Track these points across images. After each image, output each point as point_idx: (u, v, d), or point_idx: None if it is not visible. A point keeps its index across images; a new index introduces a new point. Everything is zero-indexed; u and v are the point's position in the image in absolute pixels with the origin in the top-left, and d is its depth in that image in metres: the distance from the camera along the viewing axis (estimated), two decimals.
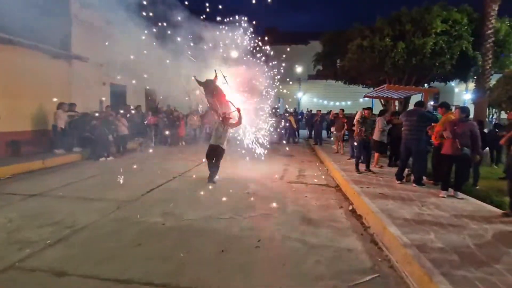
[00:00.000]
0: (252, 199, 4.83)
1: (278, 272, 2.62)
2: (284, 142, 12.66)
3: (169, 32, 7.12)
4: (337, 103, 31.05)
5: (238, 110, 6.21)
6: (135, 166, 7.09)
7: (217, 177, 5.95)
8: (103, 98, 10.89)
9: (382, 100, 13.62)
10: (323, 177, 6.78)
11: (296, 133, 15.69)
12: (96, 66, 10.08)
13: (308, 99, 32.57)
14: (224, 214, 4.05)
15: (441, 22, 10.87)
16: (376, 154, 7.32)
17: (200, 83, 6.54)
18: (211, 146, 6.01)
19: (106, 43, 9.79)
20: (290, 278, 2.54)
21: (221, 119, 6.15)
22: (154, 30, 7.42)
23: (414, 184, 5.35)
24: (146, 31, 7.21)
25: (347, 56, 12.18)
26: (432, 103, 16.01)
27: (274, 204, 4.52)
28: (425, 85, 13.53)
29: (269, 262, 2.80)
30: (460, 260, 2.60)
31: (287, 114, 14.78)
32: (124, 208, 4.18)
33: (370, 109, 7.33)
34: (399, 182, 5.53)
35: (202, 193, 5.05)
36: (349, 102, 29.15)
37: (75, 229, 3.40)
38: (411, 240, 2.96)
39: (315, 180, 6.35)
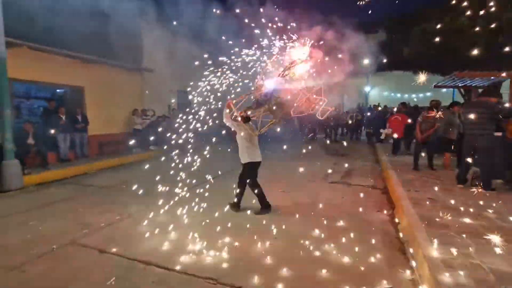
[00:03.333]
0: (282, 198, 4.83)
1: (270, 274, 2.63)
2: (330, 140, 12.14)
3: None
4: (413, 95, 27.75)
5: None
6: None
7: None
8: (172, 101, 12.34)
9: (462, 90, 11.61)
10: (372, 177, 6.25)
11: (359, 130, 14.75)
12: (164, 75, 11.48)
13: (377, 93, 29.96)
14: (248, 208, 4.17)
15: None
16: (447, 154, 6.36)
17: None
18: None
19: (171, 54, 11.11)
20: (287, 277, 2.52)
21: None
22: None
23: (480, 189, 4.48)
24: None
25: (414, 42, 10.80)
26: None
27: (302, 205, 4.44)
28: None
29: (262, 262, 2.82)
30: None
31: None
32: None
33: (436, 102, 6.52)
34: (461, 186, 4.71)
35: None
36: (428, 94, 25.64)
37: (123, 217, 4.05)
38: (444, 263, 2.50)
39: (362, 181, 5.92)
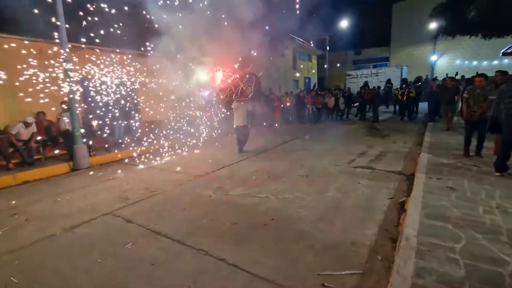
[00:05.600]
0: (300, 181, 4.99)
1: (267, 251, 2.91)
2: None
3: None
4: (495, 62, 23.41)
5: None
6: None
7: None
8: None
9: None
10: (403, 162, 5.87)
11: (412, 108, 13.33)
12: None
13: (447, 61, 26.05)
14: (262, 193, 4.49)
15: None
16: (496, 136, 5.54)
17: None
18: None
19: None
20: (275, 257, 2.79)
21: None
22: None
23: None
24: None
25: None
26: None
27: (315, 188, 4.55)
28: None
29: (266, 239, 3.11)
30: None
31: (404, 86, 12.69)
32: (193, 181, 5.35)
33: (483, 76, 5.55)
34: (498, 174, 4.17)
35: (255, 170, 5.63)
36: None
37: (155, 193, 4.78)
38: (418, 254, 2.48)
39: (389, 166, 5.63)
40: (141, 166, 6.84)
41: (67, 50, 6.57)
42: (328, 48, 22.83)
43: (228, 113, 8.48)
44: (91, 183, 5.62)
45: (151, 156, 7.79)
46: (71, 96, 6.67)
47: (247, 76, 7.91)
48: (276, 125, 12.61)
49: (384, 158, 6.28)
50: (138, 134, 9.72)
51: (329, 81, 28.67)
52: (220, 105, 8.14)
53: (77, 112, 6.93)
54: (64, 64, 6.57)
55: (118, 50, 8.72)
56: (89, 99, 8.83)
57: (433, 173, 4.51)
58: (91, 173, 6.48)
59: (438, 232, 2.67)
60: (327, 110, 13.37)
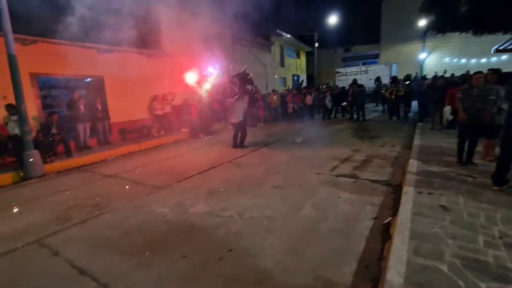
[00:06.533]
0: (274, 194, 4.35)
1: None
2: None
3: None
4: (483, 60, 23.30)
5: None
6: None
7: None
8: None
9: None
10: (392, 169, 5.30)
11: (403, 107, 12.85)
12: (184, 58, 11.34)
13: (436, 59, 25.85)
14: (227, 210, 3.84)
15: None
16: (485, 141, 5.04)
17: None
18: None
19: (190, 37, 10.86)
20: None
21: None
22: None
23: None
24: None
25: None
26: None
27: (289, 204, 3.92)
28: None
29: (215, 282, 2.46)
30: None
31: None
32: (152, 195, 4.65)
33: (480, 73, 4.99)
34: (496, 188, 3.62)
35: (227, 179, 4.97)
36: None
37: (103, 212, 4.06)
38: None
39: (375, 174, 5.06)
40: (102, 174, 6.08)
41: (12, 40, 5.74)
42: (317, 44, 22.20)
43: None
44: (36, 197, 4.85)
45: (118, 162, 7.04)
46: (19, 95, 5.85)
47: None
48: (260, 124, 11.98)
49: (370, 164, 5.70)
50: (108, 136, 8.94)
51: (318, 78, 28.18)
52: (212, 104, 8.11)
53: (25, 113, 6.10)
54: (9, 59, 5.75)
55: (81, 44, 7.85)
56: (47, 98, 8.00)
57: (423, 185, 3.94)
58: (42, 183, 5.71)
59: (430, 278, 2.07)
60: (308, 108, 12.93)
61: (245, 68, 8.08)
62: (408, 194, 3.61)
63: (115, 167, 6.65)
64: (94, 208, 4.22)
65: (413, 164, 4.84)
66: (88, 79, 9.11)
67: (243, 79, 7.78)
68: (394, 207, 3.70)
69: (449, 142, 6.39)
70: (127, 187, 5.15)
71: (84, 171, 6.50)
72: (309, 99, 12.70)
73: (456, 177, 4.16)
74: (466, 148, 4.75)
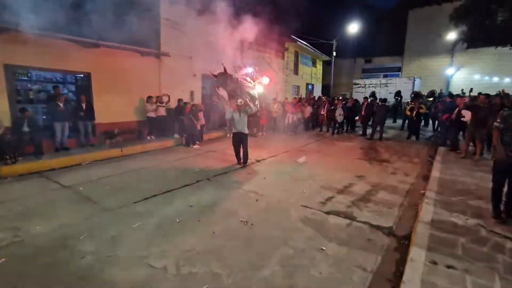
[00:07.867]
0: (237, 235, 3.33)
1: None
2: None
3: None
4: None
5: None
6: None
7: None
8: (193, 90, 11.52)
9: None
10: (398, 210, 4.14)
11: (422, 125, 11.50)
12: (184, 59, 10.62)
13: (465, 75, 23.91)
14: (164, 257, 2.86)
15: None
16: None
17: (215, 75, 6.62)
18: (234, 134, 6.53)
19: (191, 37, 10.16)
20: None
21: (235, 106, 6.33)
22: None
23: None
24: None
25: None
26: None
27: (250, 255, 2.89)
28: None
29: None
30: None
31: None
32: (91, 219, 3.76)
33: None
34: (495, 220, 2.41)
35: (190, 205, 3.99)
36: None
37: (16, 241, 3.21)
38: None
39: (378, 215, 3.92)
40: (59, 184, 5.30)
41: None
42: (334, 53, 21.01)
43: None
44: None
45: (88, 169, 6.29)
46: None
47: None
48: (261, 133, 10.99)
49: (373, 199, 4.55)
50: (90, 138, 8.25)
51: (335, 89, 26.85)
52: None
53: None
54: None
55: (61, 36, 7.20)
56: (18, 92, 7.40)
57: (440, 248, 2.79)
58: None
59: None
60: (312, 119, 12.39)
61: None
62: (416, 263, 2.49)
63: (80, 175, 5.86)
64: (13, 233, 3.36)
65: (428, 210, 3.67)
66: (74, 75, 8.50)
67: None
68: (394, 277, 2.59)
69: (476, 177, 5.14)
70: (72, 204, 4.30)
71: (44, 177, 5.76)
72: (308, 110, 11.88)
73: (490, 239, 2.96)
74: (504, 196, 3.52)
